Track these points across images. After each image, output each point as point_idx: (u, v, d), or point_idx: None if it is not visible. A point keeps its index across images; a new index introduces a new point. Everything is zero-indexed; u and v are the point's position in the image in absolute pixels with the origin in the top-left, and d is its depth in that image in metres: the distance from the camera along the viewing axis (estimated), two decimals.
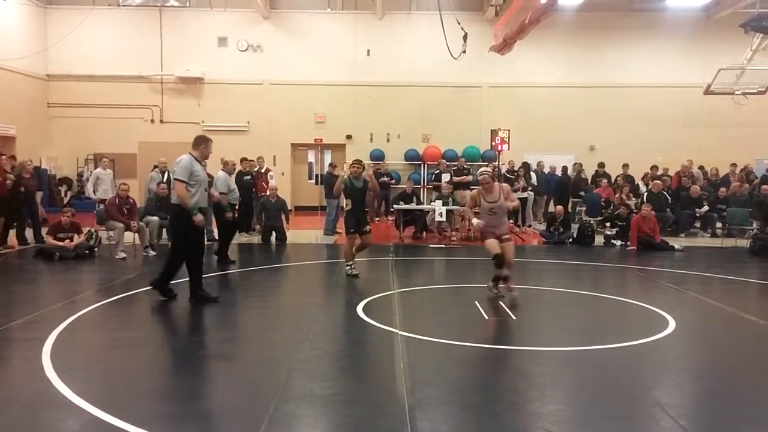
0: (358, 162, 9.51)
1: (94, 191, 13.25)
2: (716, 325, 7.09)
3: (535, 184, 17.39)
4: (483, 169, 8.41)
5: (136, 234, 11.50)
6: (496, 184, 8.05)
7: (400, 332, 6.21)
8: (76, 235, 11.06)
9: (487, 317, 6.96)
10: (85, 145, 20.29)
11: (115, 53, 20.29)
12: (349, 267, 9.34)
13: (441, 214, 13.85)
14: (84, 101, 20.18)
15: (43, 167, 18.96)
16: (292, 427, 4.10)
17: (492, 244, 7.71)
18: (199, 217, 7.17)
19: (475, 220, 8.02)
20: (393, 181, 18.69)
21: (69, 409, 4.25)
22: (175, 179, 7.23)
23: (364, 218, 9.50)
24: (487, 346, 6.09)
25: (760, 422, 4.31)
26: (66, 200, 19.99)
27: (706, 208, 15.35)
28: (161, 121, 20.73)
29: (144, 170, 18.24)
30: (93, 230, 11.72)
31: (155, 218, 11.80)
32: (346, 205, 9.27)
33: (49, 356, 5.35)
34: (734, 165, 18.05)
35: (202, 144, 7.54)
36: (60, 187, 20.20)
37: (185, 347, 6.00)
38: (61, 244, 10.78)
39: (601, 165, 17.97)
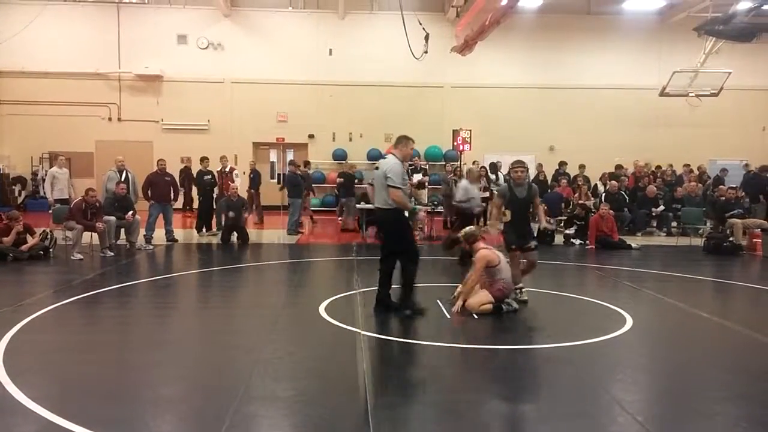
0: (520, 164, 7.87)
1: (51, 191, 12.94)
2: (672, 323, 7.26)
3: (503, 183, 17.54)
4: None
5: (95, 234, 11.26)
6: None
7: (363, 332, 6.20)
8: (29, 237, 10.75)
9: (448, 316, 7.00)
10: (39, 143, 19.80)
11: (71, 50, 19.85)
12: (518, 290, 7.66)
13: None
14: (38, 98, 19.68)
15: None
16: (252, 429, 4.06)
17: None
18: (422, 213, 7.06)
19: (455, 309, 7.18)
20: (356, 181, 18.63)
21: (23, 414, 4.14)
22: (390, 186, 6.78)
23: (528, 232, 7.86)
24: (448, 345, 6.12)
25: (715, 416, 4.43)
26: (20, 200, 19.49)
27: (661, 207, 15.72)
28: (119, 119, 20.35)
29: (102, 169, 17.82)
30: (48, 230, 11.42)
31: (112, 218, 11.56)
32: (505, 216, 7.90)
33: (1, 360, 5.19)
34: (687, 165, 18.54)
35: (401, 143, 7.16)
36: (13, 187, 19.65)
37: (143, 350, 5.88)
38: (17, 249, 10.46)
39: (563, 164, 18.23)
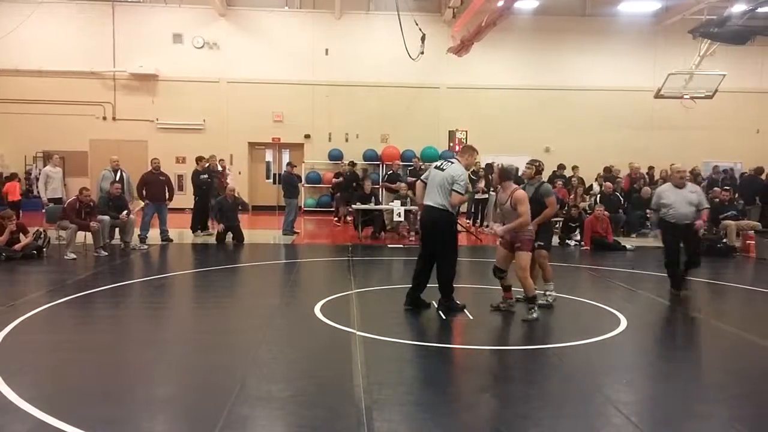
0: (530, 161, 7.88)
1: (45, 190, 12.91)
2: (666, 324, 7.28)
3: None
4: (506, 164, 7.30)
5: (88, 234, 11.21)
6: (512, 184, 7.05)
7: (358, 332, 6.20)
8: (22, 236, 10.70)
9: (444, 317, 7.00)
10: (33, 142, 19.70)
11: (66, 49, 19.74)
12: (549, 293, 7.78)
13: (399, 215, 13.88)
14: (32, 97, 19.57)
15: None
16: (247, 429, 4.05)
17: (498, 252, 7.23)
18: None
19: (496, 227, 7.12)
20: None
21: (15, 413, 4.12)
22: (454, 191, 6.92)
23: (538, 231, 7.44)
24: (444, 346, 6.13)
25: (709, 417, 4.44)
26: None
27: None
28: (114, 119, 20.26)
29: (96, 168, 17.79)
30: (41, 230, 11.37)
31: (106, 218, 11.52)
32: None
33: None
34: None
35: (467, 152, 7.39)
36: None
37: (137, 349, 5.86)
38: (10, 249, 10.41)
39: (561, 167, 18.25)
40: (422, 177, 7.49)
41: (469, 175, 16.72)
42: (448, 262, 7.21)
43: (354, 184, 16.79)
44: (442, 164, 7.23)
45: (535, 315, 6.81)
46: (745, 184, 16.42)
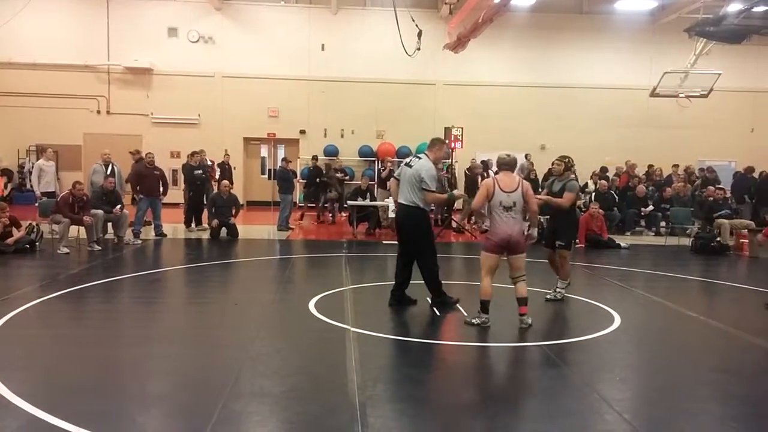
0: (559, 157, 7.82)
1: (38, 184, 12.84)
2: (659, 321, 7.29)
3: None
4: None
5: (81, 228, 11.16)
6: (509, 174, 6.49)
7: (352, 329, 6.18)
8: (15, 230, 10.64)
9: (438, 313, 7.00)
10: (26, 136, 19.58)
11: (59, 41, 19.63)
12: (559, 290, 7.82)
13: (394, 211, 13.84)
14: (26, 90, 19.46)
15: None
16: (240, 425, 4.04)
17: (487, 277, 6.43)
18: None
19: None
20: (347, 177, 18.61)
21: (6, 408, 4.09)
22: (424, 189, 6.78)
23: (561, 228, 7.74)
24: (437, 343, 6.12)
25: (701, 414, 4.45)
26: (6, 192, 19.29)
27: (651, 207, 15.79)
28: (108, 112, 20.17)
29: (90, 162, 17.67)
30: (34, 224, 11.31)
31: (100, 212, 11.46)
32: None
33: None
34: (676, 166, 18.64)
35: (435, 145, 7.16)
36: None
37: (130, 345, 5.84)
38: (2, 242, 10.34)
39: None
40: (395, 174, 7.42)
41: (466, 172, 16.80)
42: (427, 259, 7.13)
43: (317, 180, 16.72)
44: (410, 160, 7.13)
45: (476, 321, 6.47)
46: (736, 182, 16.50)
